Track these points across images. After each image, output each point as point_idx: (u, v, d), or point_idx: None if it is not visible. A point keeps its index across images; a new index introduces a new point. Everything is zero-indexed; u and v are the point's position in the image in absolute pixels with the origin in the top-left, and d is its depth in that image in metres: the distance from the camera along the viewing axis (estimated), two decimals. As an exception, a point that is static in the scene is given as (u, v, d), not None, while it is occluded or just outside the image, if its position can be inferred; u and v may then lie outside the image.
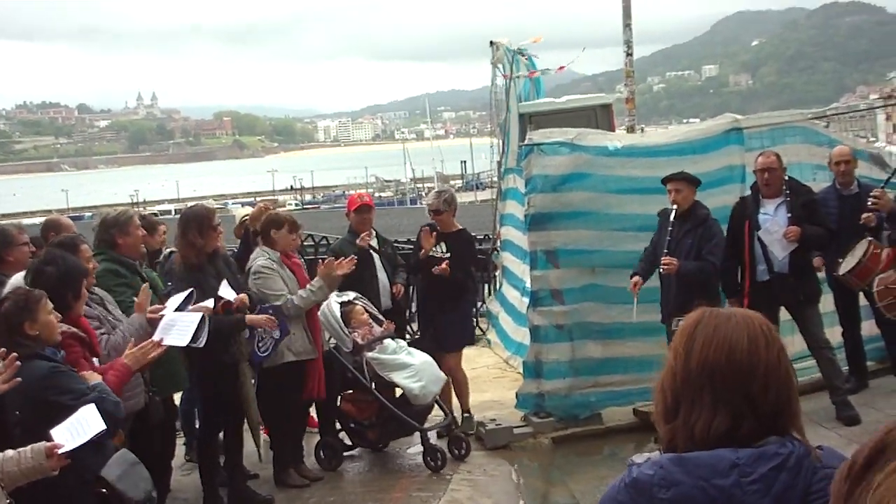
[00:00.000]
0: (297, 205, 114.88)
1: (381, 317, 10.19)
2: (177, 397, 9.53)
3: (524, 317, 11.45)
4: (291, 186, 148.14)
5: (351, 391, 9.91)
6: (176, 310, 7.57)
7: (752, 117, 12.02)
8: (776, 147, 10.58)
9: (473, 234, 15.08)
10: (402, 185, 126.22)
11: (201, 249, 8.64)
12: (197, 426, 9.73)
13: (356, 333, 9.76)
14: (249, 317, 8.71)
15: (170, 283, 8.52)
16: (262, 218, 9.61)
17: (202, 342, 7.45)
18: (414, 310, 13.34)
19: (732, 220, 9.95)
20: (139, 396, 7.26)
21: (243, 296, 8.73)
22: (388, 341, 9.89)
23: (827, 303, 10.45)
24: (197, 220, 8.76)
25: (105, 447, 5.75)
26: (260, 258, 9.30)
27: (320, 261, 9.96)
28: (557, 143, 10.53)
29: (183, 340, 7.19)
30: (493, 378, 12.97)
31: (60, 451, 5.07)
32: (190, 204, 11.39)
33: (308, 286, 9.32)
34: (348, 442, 10.15)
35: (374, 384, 9.66)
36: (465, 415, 10.74)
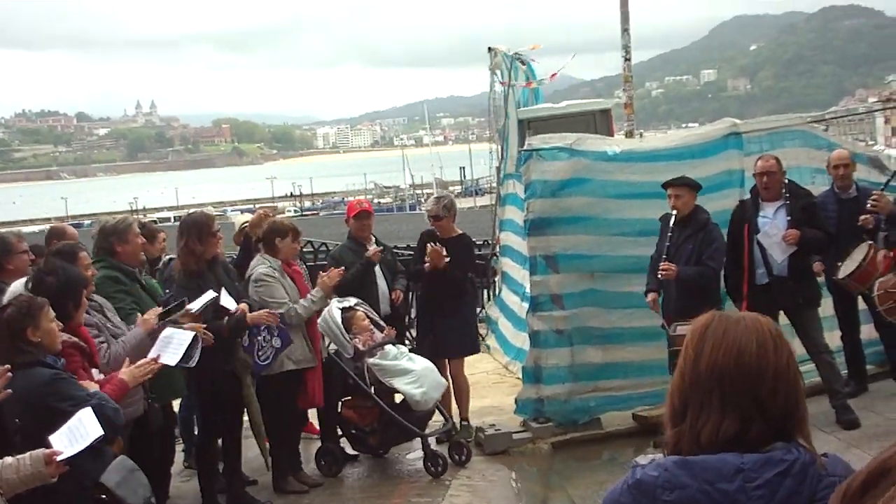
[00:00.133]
0: (296, 211, 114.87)
1: (382, 322, 10.18)
2: (175, 404, 9.53)
3: (524, 322, 11.44)
4: (291, 193, 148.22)
5: (352, 397, 9.90)
6: (199, 309, 7.63)
7: (750, 122, 12.01)
8: (775, 151, 10.58)
9: (474, 239, 15.09)
10: (402, 191, 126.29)
11: (201, 256, 8.66)
12: (196, 433, 9.73)
13: (357, 339, 9.75)
14: (250, 315, 8.70)
15: (167, 291, 8.52)
16: (265, 225, 9.59)
17: (194, 362, 7.44)
18: (413, 316, 13.35)
19: (732, 224, 9.95)
20: (138, 404, 7.26)
21: (244, 305, 8.74)
22: (389, 347, 9.88)
23: (826, 306, 10.43)
24: (196, 227, 8.78)
25: (104, 453, 5.75)
26: (261, 266, 9.30)
27: (321, 272, 9.93)
28: (556, 149, 10.52)
29: (174, 360, 7.17)
30: (492, 383, 12.96)
31: (59, 458, 5.07)
32: (189, 211, 11.37)
33: (309, 296, 9.35)
34: (349, 449, 10.14)
35: (374, 390, 9.65)
36: (463, 422, 10.72)
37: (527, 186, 10.58)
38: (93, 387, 6.00)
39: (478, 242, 17.82)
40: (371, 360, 9.63)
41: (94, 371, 6.52)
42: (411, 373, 9.65)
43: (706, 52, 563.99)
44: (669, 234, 9.55)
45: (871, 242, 9.57)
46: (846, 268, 9.71)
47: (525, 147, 10.97)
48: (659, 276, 9.51)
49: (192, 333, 7.38)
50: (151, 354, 6.91)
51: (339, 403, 10.01)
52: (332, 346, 9.83)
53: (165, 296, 8.43)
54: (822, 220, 9.91)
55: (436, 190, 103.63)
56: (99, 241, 8.16)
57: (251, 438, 9.23)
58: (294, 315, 9.13)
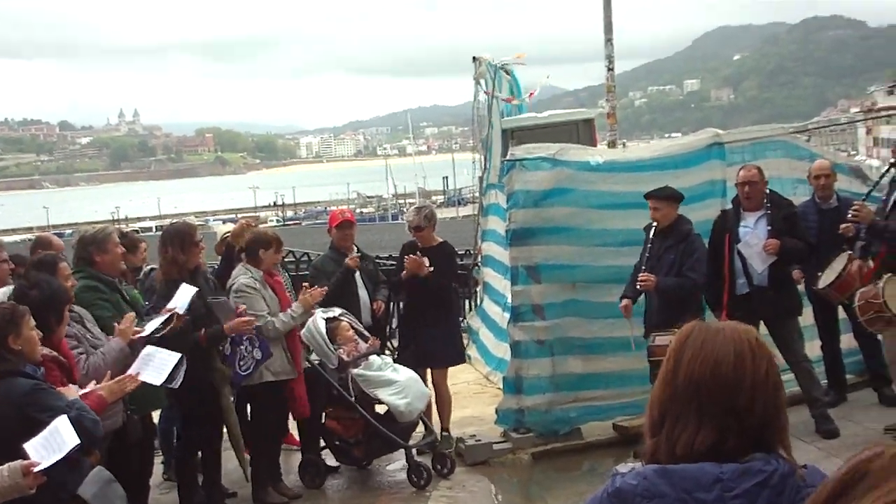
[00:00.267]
0: (278, 221, 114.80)
1: (366, 333, 10.17)
2: (155, 415, 9.50)
3: (505, 332, 11.45)
4: (274, 202, 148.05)
5: (335, 408, 9.87)
6: (154, 332, 7.57)
7: (733, 132, 12.04)
8: (757, 161, 10.62)
9: (455, 249, 15.05)
10: (384, 200, 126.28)
11: (183, 265, 8.66)
12: (175, 444, 9.70)
13: (341, 350, 9.72)
14: (227, 325, 8.70)
15: (147, 303, 8.49)
16: (248, 236, 9.57)
17: (177, 383, 7.40)
18: (395, 326, 13.34)
19: (713, 234, 9.99)
20: (117, 416, 7.22)
21: (243, 306, 8.80)
22: (373, 358, 9.86)
23: (806, 316, 10.47)
24: (179, 236, 8.80)
25: (81, 465, 5.72)
26: (242, 276, 9.28)
27: (303, 286, 9.92)
28: (539, 159, 10.52)
29: (158, 379, 7.14)
30: (473, 394, 12.94)
31: (37, 469, 5.04)
32: (171, 221, 11.36)
33: (289, 311, 9.33)
34: (331, 461, 10.12)
35: (357, 401, 9.62)
36: (444, 433, 10.69)
37: (509, 196, 10.58)
38: (72, 394, 5.98)
39: (460, 252, 17.83)
40: (355, 371, 9.61)
41: (73, 387, 6.49)
42: (396, 383, 9.64)
43: (690, 63, 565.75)
44: (649, 245, 9.58)
45: (850, 252, 9.60)
46: (826, 278, 9.75)
47: (508, 157, 10.98)
48: (637, 286, 9.53)
49: (178, 355, 7.33)
50: (132, 371, 6.87)
51: (323, 415, 10.00)
52: (314, 356, 9.82)
53: (146, 306, 8.41)
54: (802, 230, 9.95)
55: (418, 199, 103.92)
56: (78, 251, 8.15)
57: (231, 450, 9.21)
58: (272, 329, 9.12)
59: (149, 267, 9.94)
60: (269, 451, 9.65)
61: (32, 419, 5.50)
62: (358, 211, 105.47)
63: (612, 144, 17.86)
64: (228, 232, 10.34)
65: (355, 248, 10.75)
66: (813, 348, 10.62)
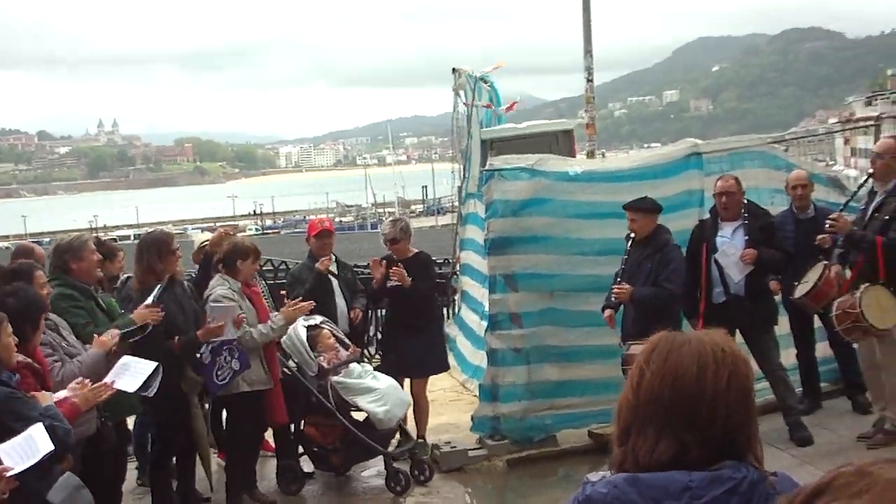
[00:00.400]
0: (257, 230, 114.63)
1: (347, 341, 10.19)
2: (130, 421, 9.48)
3: (482, 340, 11.47)
4: (254, 212, 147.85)
5: (314, 415, 9.87)
6: (128, 339, 7.56)
7: (711, 142, 12.10)
8: (735, 171, 10.66)
9: (434, 257, 15.04)
10: (364, 209, 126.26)
11: (160, 274, 8.64)
12: (150, 451, 9.68)
13: (322, 357, 9.74)
14: (200, 332, 8.70)
15: (123, 312, 8.47)
16: (226, 245, 9.55)
17: (152, 391, 7.39)
18: (373, 334, 13.35)
19: (691, 244, 10.03)
20: (91, 422, 7.17)
21: (242, 315, 8.85)
22: (353, 365, 9.88)
23: (783, 325, 10.52)
24: (156, 245, 8.79)
25: (52, 471, 5.70)
26: (219, 287, 9.24)
27: (282, 293, 9.92)
28: (518, 169, 10.55)
29: (133, 386, 7.13)
30: (449, 401, 12.96)
31: (9, 474, 5.03)
32: (149, 230, 11.34)
33: (269, 322, 9.28)
34: (308, 467, 10.11)
35: (336, 408, 9.62)
36: (420, 440, 10.71)
37: (488, 206, 10.61)
38: (47, 400, 5.96)
39: (438, 261, 17.85)
40: (335, 379, 9.62)
41: (48, 393, 6.47)
42: (375, 391, 9.65)
43: (669, 73, 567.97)
44: (625, 255, 9.62)
45: (826, 262, 9.65)
46: (802, 287, 9.79)
47: (487, 167, 11.01)
48: (613, 298, 9.57)
49: (154, 364, 7.33)
50: (107, 379, 6.86)
51: (302, 421, 10.00)
52: (292, 363, 9.81)
53: (122, 314, 8.39)
54: (779, 240, 10.01)
55: (398, 209, 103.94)
56: (54, 259, 8.16)
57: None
58: (249, 339, 9.08)
59: (126, 275, 9.91)
60: (245, 459, 9.62)
61: (4, 427, 5.49)
62: (337, 220, 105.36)
63: (591, 155, 17.93)
64: (206, 241, 10.33)
65: (333, 257, 10.77)
66: (788, 356, 10.67)
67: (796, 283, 9.91)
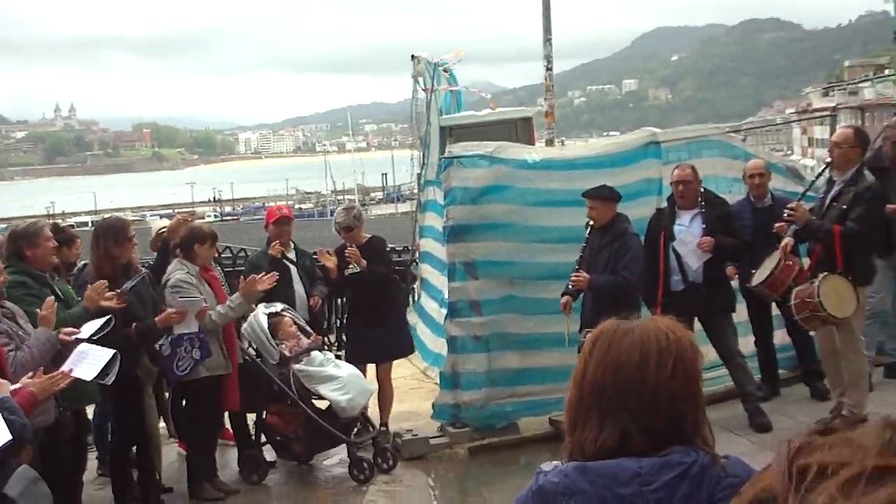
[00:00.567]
0: (216, 217, 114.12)
1: (309, 329, 10.17)
2: (90, 411, 9.42)
3: (442, 328, 11.45)
4: (214, 198, 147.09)
5: (276, 404, 9.84)
6: (92, 335, 7.50)
7: (669, 131, 12.16)
8: (693, 160, 10.71)
9: (393, 245, 15.01)
10: (323, 197, 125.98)
11: (116, 260, 8.58)
12: (110, 440, 9.63)
13: (284, 345, 9.70)
14: (159, 318, 8.65)
15: (79, 299, 8.41)
16: (183, 231, 9.51)
17: (110, 379, 7.35)
18: (334, 322, 13.34)
19: (649, 232, 10.06)
20: (49, 412, 7.13)
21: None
22: (315, 353, 9.85)
23: (741, 312, 10.59)
24: (113, 231, 8.74)
25: (8, 463, 5.66)
26: (178, 272, 9.19)
27: (241, 277, 9.88)
28: (477, 156, 10.55)
29: (90, 374, 7.09)
30: (410, 389, 12.94)
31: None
32: (107, 216, 11.28)
33: (227, 302, 9.27)
34: (270, 456, 10.09)
35: (299, 396, 9.60)
36: (382, 428, 10.72)
37: (447, 193, 10.60)
38: (4, 390, 5.91)
39: (398, 248, 17.86)
40: (297, 367, 9.59)
41: (6, 382, 6.41)
42: (337, 379, 9.63)
43: (628, 63, 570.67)
44: (584, 244, 9.65)
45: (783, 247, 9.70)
46: (759, 275, 9.84)
47: (446, 154, 11.01)
48: (570, 286, 9.59)
49: (112, 351, 7.29)
50: (65, 367, 6.81)
51: (264, 410, 9.97)
52: (251, 350, 9.78)
53: (79, 301, 8.33)
54: (736, 228, 10.06)
55: (357, 196, 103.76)
56: (8, 246, 8.07)
57: (166, 445, 9.16)
58: (209, 321, 9.06)
59: (83, 262, 9.84)
60: (205, 445, 9.59)
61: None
62: (296, 207, 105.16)
63: (550, 143, 17.96)
64: (164, 227, 10.29)
65: (292, 244, 10.76)
66: (747, 344, 10.73)
67: (753, 271, 9.96)
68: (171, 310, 8.71)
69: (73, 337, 7.33)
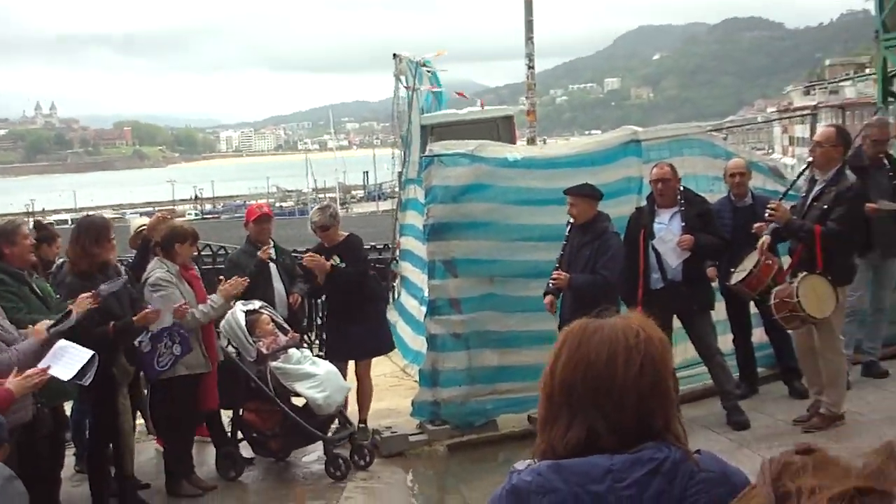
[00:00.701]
0: (196, 215, 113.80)
1: (286, 326, 10.16)
2: (68, 407, 9.39)
3: (422, 326, 11.47)
4: (195, 196, 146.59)
5: (253, 401, 9.83)
6: (54, 324, 7.45)
7: (650, 130, 12.18)
8: (674, 159, 10.73)
9: (374, 243, 15.00)
10: (304, 195, 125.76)
11: (94, 258, 8.56)
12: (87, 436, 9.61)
13: (261, 343, 9.70)
14: (136, 318, 8.62)
15: (58, 296, 8.38)
16: (164, 229, 9.49)
17: (88, 380, 7.32)
18: (314, 319, 13.33)
19: (629, 230, 10.06)
20: (27, 409, 7.10)
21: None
22: (292, 351, 9.85)
23: (719, 311, 10.62)
24: (95, 229, 8.73)
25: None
26: (158, 270, 9.18)
27: (219, 279, 9.86)
28: (458, 155, 10.57)
29: (67, 374, 7.06)
30: (389, 386, 12.98)
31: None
32: (88, 214, 11.24)
33: (208, 302, 9.29)
34: (248, 453, 10.08)
35: (276, 394, 9.59)
36: (361, 425, 10.73)
37: (427, 192, 10.61)
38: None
39: (378, 246, 17.87)
40: (274, 364, 9.59)
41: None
42: (314, 377, 9.64)
43: (610, 61, 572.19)
44: (564, 241, 9.66)
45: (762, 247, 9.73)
46: (738, 274, 9.87)
47: (426, 153, 11.02)
48: (550, 285, 9.60)
49: (90, 352, 7.27)
50: (41, 364, 6.79)
51: (241, 407, 9.96)
52: (231, 348, 9.77)
53: (58, 299, 8.30)
54: (716, 226, 10.07)
55: (338, 195, 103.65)
56: (-14, 244, 8.03)
57: (143, 442, 9.13)
58: (191, 320, 9.06)
59: (61, 260, 9.81)
60: (182, 443, 9.58)
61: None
62: (277, 205, 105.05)
63: (531, 141, 18.02)
64: (143, 225, 10.28)
65: (272, 242, 10.76)
66: (726, 342, 10.76)
67: (733, 270, 9.99)
68: (148, 308, 8.69)
69: (45, 329, 7.29)
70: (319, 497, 9.22)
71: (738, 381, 10.74)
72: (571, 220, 9.65)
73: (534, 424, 10.14)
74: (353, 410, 10.67)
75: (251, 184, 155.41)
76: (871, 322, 11.04)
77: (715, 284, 10.46)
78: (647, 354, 2.62)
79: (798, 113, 74.39)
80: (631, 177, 11.03)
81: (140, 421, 9.79)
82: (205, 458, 10.09)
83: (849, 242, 9.29)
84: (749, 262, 9.73)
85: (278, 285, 10.64)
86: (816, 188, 9.32)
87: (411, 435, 10.49)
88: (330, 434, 9.87)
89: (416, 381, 11.51)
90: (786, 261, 9.70)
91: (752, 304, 10.66)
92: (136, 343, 8.79)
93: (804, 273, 9.06)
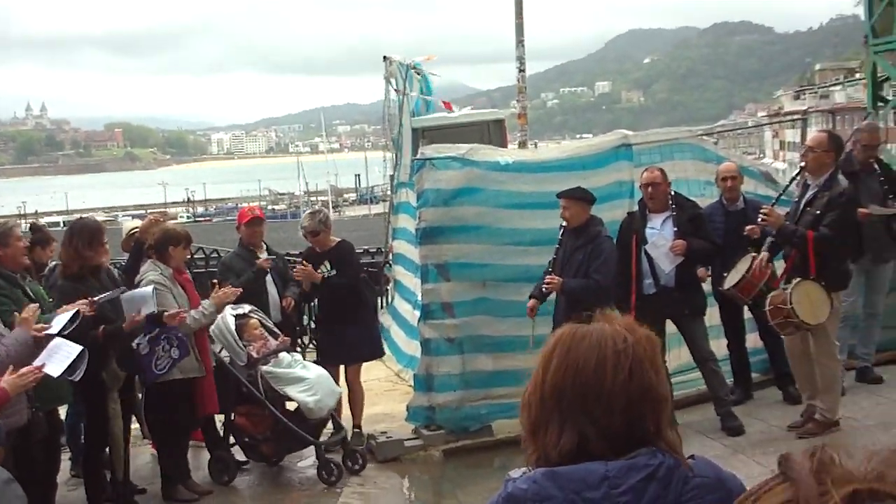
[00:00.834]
0: (188, 217, 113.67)
1: (276, 330, 10.15)
2: (63, 411, 9.37)
3: (416, 330, 11.46)
4: (188, 199, 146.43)
5: (245, 405, 9.82)
6: (62, 329, 7.46)
7: (641, 134, 12.17)
8: (665, 163, 10.75)
9: (367, 246, 14.98)
10: (296, 198, 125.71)
11: (86, 261, 8.54)
12: (83, 440, 9.59)
13: (251, 347, 9.68)
14: (126, 324, 8.60)
15: (51, 300, 8.37)
16: (157, 232, 9.46)
17: (79, 375, 7.33)
18: (306, 323, 13.31)
19: (621, 235, 10.07)
20: (22, 413, 7.10)
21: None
22: (283, 355, 9.83)
23: (713, 316, 10.64)
24: (88, 231, 8.72)
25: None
26: (151, 273, 9.16)
27: (212, 283, 9.85)
28: (449, 158, 10.57)
29: (57, 371, 7.06)
30: (384, 391, 12.96)
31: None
32: (79, 216, 11.23)
33: (201, 308, 9.26)
34: (241, 457, 10.07)
35: (267, 398, 9.58)
36: (356, 430, 10.72)
37: (419, 195, 10.62)
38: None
39: (371, 250, 17.86)
40: (264, 368, 9.58)
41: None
42: (305, 381, 9.62)
43: (601, 65, 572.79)
44: (557, 245, 9.66)
45: (754, 255, 9.74)
46: (731, 279, 9.88)
47: (418, 156, 11.02)
48: (543, 288, 9.61)
49: (80, 347, 7.27)
50: (37, 362, 6.79)
51: (232, 412, 9.95)
52: (225, 353, 9.76)
53: (50, 302, 8.29)
54: (708, 231, 10.08)
55: (330, 197, 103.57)
56: (-22, 246, 8.01)
57: (138, 446, 9.11)
58: (183, 325, 9.05)
59: (54, 262, 9.80)
60: (177, 447, 9.57)
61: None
62: (269, 208, 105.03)
63: (522, 145, 18.03)
64: (135, 228, 10.25)
65: (264, 246, 10.75)
66: (720, 347, 10.77)
67: (725, 275, 10.00)
68: (136, 316, 8.63)
69: (45, 332, 7.29)
70: (315, 502, 9.23)
71: (733, 387, 10.76)
72: (564, 224, 9.66)
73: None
74: (346, 416, 10.66)
75: (243, 186, 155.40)
76: (864, 327, 11.05)
77: (708, 289, 10.47)
78: (635, 359, 2.63)
79: (788, 117, 74.36)
80: (622, 181, 11.04)
81: (135, 425, 9.75)
82: (200, 462, 10.07)
83: (842, 247, 9.29)
84: (742, 266, 9.74)
85: (272, 289, 10.62)
86: (809, 193, 9.33)
87: (406, 440, 10.48)
88: (325, 439, 9.86)
89: (410, 386, 11.50)
90: (779, 266, 9.70)
91: (746, 308, 10.67)
92: (134, 345, 8.77)
93: (798, 279, 9.06)
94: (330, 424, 10.04)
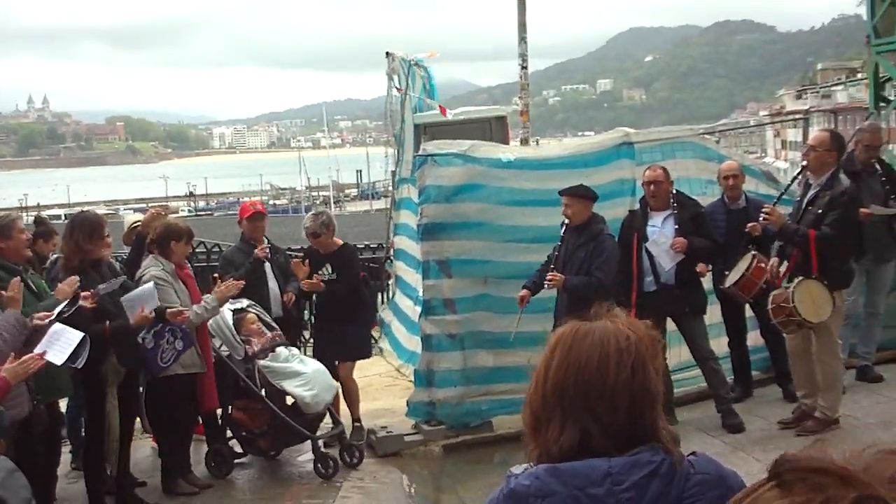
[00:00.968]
0: (190, 212, 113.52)
1: (274, 325, 10.15)
2: (63, 404, 9.38)
3: (417, 326, 11.47)
4: (191, 193, 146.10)
5: (242, 399, 9.83)
6: (59, 313, 7.47)
7: (643, 132, 12.18)
8: (667, 161, 10.75)
9: (368, 242, 14.96)
10: (297, 192, 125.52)
11: (87, 255, 8.52)
12: (83, 433, 9.59)
13: (249, 341, 9.70)
14: (134, 321, 8.60)
15: (52, 293, 8.38)
16: (159, 227, 9.45)
17: (80, 363, 7.34)
18: (307, 318, 13.32)
19: (622, 233, 10.09)
20: (23, 405, 7.12)
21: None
22: (280, 349, 9.85)
23: (714, 313, 10.65)
24: (89, 225, 8.69)
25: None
26: (153, 268, 9.15)
27: (213, 277, 9.86)
28: (451, 155, 10.58)
29: (60, 359, 7.07)
30: (384, 386, 12.97)
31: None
32: (81, 209, 11.22)
33: (203, 303, 9.25)
34: (238, 450, 10.08)
35: (264, 392, 9.60)
36: (356, 424, 10.73)
37: (421, 191, 10.63)
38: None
39: (372, 246, 17.86)
40: (262, 363, 9.59)
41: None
42: (302, 375, 9.64)
43: (603, 62, 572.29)
44: (559, 242, 9.67)
45: (754, 253, 9.76)
46: (732, 277, 9.89)
47: (420, 152, 11.02)
48: (546, 285, 9.61)
49: (81, 334, 7.28)
50: (38, 349, 6.80)
51: (230, 406, 9.96)
52: (224, 348, 9.77)
53: (52, 295, 8.29)
54: (709, 229, 10.09)
55: (332, 192, 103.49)
56: (-19, 239, 8.02)
57: (139, 440, 9.11)
58: (187, 321, 9.04)
59: (56, 255, 9.81)
60: (179, 442, 9.58)
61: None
62: (271, 203, 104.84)
63: (524, 142, 17.97)
64: (137, 221, 10.25)
65: (266, 240, 10.75)
66: (720, 345, 10.79)
67: (727, 273, 10.01)
68: (142, 313, 8.63)
69: (47, 320, 7.30)
70: (315, 497, 9.22)
71: (733, 384, 10.77)
72: (566, 222, 9.66)
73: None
74: (345, 413, 10.67)
75: (244, 181, 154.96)
76: (864, 326, 11.07)
77: (709, 287, 10.48)
78: (637, 356, 2.64)
79: (790, 117, 74.28)
80: (624, 179, 11.04)
81: (137, 422, 9.75)
82: (201, 456, 10.08)
83: (843, 246, 9.30)
84: (742, 265, 9.76)
85: (273, 284, 10.64)
86: (811, 192, 9.34)
87: (407, 435, 10.50)
88: (323, 433, 9.87)
89: (411, 382, 11.50)
90: (783, 264, 9.71)
91: (747, 306, 10.68)
92: (139, 339, 8.76)
93: (800, 278, 9.07)
94: (328, 419, 10.07)
